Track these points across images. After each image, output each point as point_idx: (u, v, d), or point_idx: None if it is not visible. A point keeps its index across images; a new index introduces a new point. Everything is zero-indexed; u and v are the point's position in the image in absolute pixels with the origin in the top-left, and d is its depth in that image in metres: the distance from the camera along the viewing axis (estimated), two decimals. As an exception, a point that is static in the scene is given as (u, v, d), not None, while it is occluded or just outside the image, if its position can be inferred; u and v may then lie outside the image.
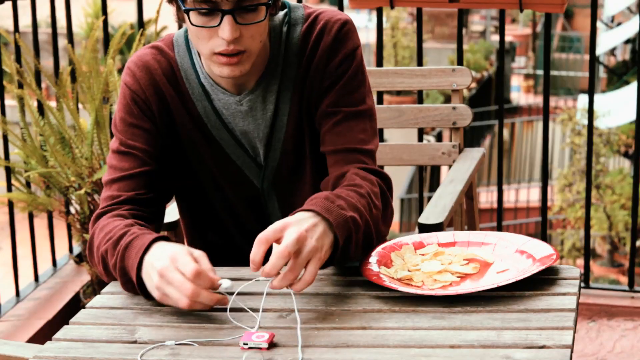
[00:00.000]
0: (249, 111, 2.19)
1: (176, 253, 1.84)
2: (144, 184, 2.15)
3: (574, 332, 1.68)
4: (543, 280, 1.87)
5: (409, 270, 1.93)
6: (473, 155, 2.92)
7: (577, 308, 1.78)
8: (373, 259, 1.98)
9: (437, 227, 2.35)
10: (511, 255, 1.97)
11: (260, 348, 1.71)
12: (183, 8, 2.02)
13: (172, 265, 1.83)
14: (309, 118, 2.21)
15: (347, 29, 2.19)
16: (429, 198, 2.70)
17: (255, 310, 1.82)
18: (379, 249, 2.02)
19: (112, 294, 1.97)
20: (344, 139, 2.17)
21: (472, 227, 2.99)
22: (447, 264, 1.93)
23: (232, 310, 1.84)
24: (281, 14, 2.22)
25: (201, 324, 1.81)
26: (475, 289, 1.83)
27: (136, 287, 1.91)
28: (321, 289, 1.92)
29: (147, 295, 1.91)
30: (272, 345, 1.71)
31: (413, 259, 1.97)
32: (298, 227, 1.83)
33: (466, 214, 2.95)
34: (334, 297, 1.88)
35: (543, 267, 1.86)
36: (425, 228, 2.34)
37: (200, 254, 1.86)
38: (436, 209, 2.47)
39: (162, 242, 1.91)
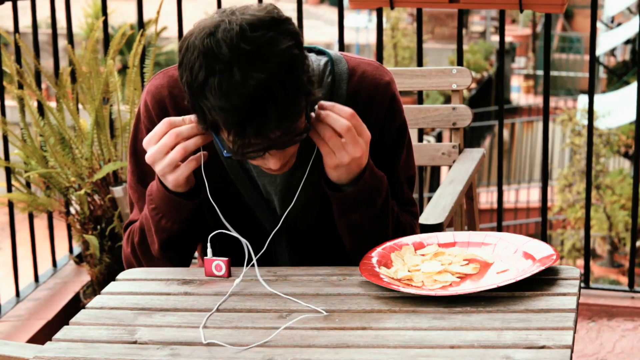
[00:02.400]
0: None
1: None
2: None
3: (574, 333, 1.68)
4: (543, 280, 1.87)
5: (409, 271, 1.93)
6: (473, 156, 2.91)
7: (577, 308, 1.78)
8: (373, 259, 1.98)
9: (437, 228, 2.35)
10: (511, 256, 1.97)
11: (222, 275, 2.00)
12: (225, 154, 1.96)
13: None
14: None
15: (397, 95, 2.18)
16: (429, 198, 2.70)
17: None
18: (379, 249, 2.02)
19: (112, 294, 1.97)
20: (398, 204, 2.19)
21: (472, 227, 2.99)
22: (447, 265, 1.93)
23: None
24: (322, 61, 2.15)
25: (201, 324, 1.81)
26: (475, 289, 1.83)
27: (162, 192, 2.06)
28: (321, 289, 1.92)
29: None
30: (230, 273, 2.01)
31: (413, 260, 1.97)
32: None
33: (466, 215, 2.95)
34: (334, 298, 1.88)
35: (543, 268, 1.86)
36: (425, 228, 2.34)
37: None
38: (436, 209, 2.47)
39: None
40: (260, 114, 1.84)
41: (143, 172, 2.18)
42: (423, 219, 2.38)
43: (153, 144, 2.00)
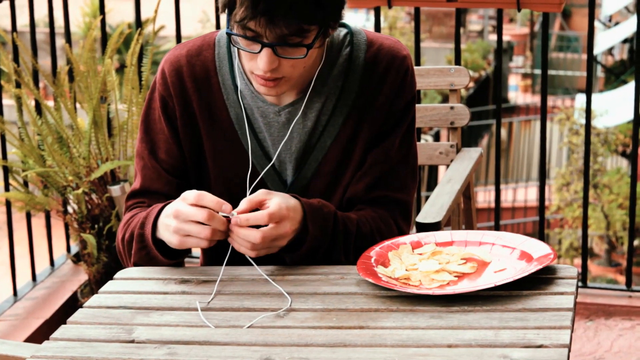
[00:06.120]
0: (286, 123, 2.16)
1: (178, 208, 1.98)
2: (163, 183, 2.21)
3: (572, 332, 1.69)
4: (541, 279, 1.86)
5: (406, 270, 1.93)
6: (471, 155, 2.91)
7: (575, 307, 1.78)
8: (371, 258, 1.98)
9: (434, 226, 2.35)
10: (509, 255, 1.97)
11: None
12: (226, 31, 2.02)
13: (180, 219, 1.97)
14: (358, 148, 2.19)
15: (412, 69, 2.21)
16: (427, 197, 2.70)
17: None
18: (376, 248, 2.02)
19: (110, 294, 1.97)
20: (387, 186, 2.20)
21: (470, 226, 2.99)
22: (444, 264, 1.93)
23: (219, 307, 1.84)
24: (342, 32, 2.19)
25: (199, 324, 1.81)
26: (472, 288, 1.83)
27: (151, 247, 2.06)
28: (319, 288, 1.92)
29: (166, 254, 2.07)
30: None
31: (411, 259, 1.97)
32: (285, 203, 1.98)
33: (464, 214, 2.95)
34: (331, 297, 1.88)
35: (541, 267, 1.86)
36: (423, 227, 2.34)
37: (200, 196, 1.97)
38: (434, 208, 2.47)
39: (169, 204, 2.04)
40: None
41: (152, 142, 2.21)
42: (421, 218, 2.38)
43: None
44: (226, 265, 2.01)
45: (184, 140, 2.20)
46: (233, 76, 2.18)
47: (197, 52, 2.20)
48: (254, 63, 2.03)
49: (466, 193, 2.92)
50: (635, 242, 9.31)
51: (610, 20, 18.88)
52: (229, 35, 2.01)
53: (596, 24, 16.82)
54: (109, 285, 2.00)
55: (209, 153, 2.21)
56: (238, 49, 2.08)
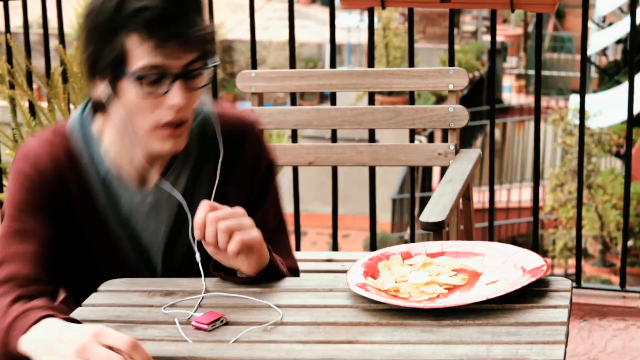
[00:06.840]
0: (152, 209, 2.07)
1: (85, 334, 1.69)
2: (36, 268, 1.99)
3: (566, 347, 1.65)
4: (534, 292, 1.83)
5: (395, 282, 1.89)
6: (470, 156, 2.92)
7: (569, 321, 1.75)
8: (360, 269, 1.94)
9: (438, 225, 2.34)
10: (501, 266, 1.93)
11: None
12: (133, 78, 1.90)
13: (95, 340, 1.66)
14: None
15: (264, 137, 2.16)
16: (421, 198, 2.68)
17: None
18: (365, 259, 1.98)
19: (93, 306, 1.93)
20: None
21: (468, 227, 2.99)
22: (435, 275, 1.90)
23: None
24: None
25: (183, 338, 1.78)
26: (464, 301, 1.80)
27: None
28: (307, 301, 1.89)
29: None
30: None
31: (401, 270, 1.93)
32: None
33: (462, 215, 2.94)
34: (320, 310, 1.84)
35: (534, 279, 1.82)
36: (427, 226, 2.33)
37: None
38: (437, 207, 2.47)
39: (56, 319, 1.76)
40: (179, 9, 1.88)
41: (20, 229, 2.01)
42: (424, 217, 2.39)
43: None
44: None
45: (54, 225, 2.03)
46: (94, 164, 2.06)
47: (51, 144, 2.05)
48: (160, 111, 1.93)
49: (465, 194, 2.91)
50: (629, 243, 9.32)
51: (604, 21, 18.90)
52: (139, 78, 1.90)
53: (590, 24, 16.83)
54: (92, 298, 1.96)
55: (88, 236, 2.08)
56: (91, 138, 1.98)
